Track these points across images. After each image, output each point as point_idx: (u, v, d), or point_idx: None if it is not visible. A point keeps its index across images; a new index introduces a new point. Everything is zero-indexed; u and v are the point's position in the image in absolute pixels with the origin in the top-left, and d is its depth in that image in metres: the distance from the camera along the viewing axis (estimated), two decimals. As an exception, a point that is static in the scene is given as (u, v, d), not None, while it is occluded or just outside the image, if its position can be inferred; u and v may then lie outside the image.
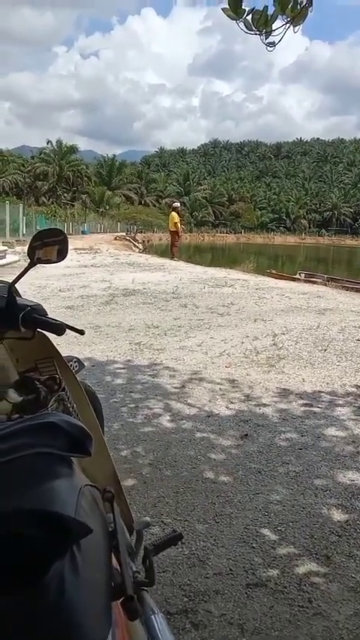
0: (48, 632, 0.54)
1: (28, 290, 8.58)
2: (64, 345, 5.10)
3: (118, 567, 0.76)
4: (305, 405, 3.99)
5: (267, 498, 2.66)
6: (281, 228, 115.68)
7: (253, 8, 2.99)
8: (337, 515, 2.53)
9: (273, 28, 3.28)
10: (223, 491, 2.71)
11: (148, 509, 2.52)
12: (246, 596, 1.96)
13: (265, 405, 3.97)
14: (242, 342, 5.79)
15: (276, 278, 14.27)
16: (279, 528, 2.40)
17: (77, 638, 0.55)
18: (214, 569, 2.11)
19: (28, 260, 1.41)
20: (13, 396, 1.27)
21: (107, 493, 0.90)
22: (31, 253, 1.38)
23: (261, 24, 3.22)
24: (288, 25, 3.24)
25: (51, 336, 1.42)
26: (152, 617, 0.94)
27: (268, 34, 3.27)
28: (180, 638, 1.72)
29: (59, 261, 1.43)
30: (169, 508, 2.54)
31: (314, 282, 13.86)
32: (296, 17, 3.18)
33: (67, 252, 1.43)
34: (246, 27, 3.24)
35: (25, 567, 0.57)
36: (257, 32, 3.27)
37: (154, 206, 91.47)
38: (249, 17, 3.20)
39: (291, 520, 2.47)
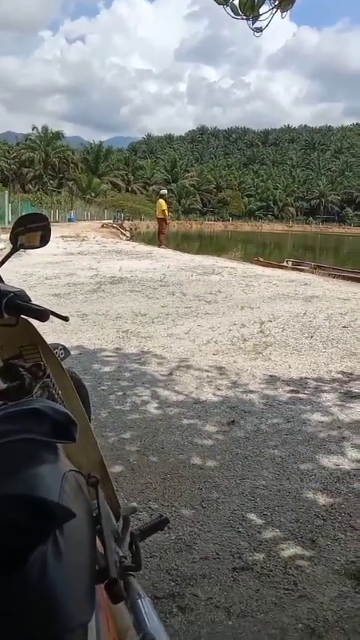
0: (31, 615, 0.54)
1: (14, 278, 8.52)
2: (51, 332, 5.08)
3: (103, 552, 0.76)
4: (291, 391, 4.02)
5: (253, 483, 2.68)
6: (269, 215, 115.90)
7: (240, -8, 2.96)
8: (322, 500, 2.56)
9: (260, 13, 3.26)
10: (209, 477, 2.73)
11: (135, 495, 2.53)
12: (232, 580, 1.98)
13: (251, 391, 3.99)
14: (230, 330, 5.80)
15: (263, 266, 14.29)
16: (265, 513, 2.43)
17: (60, 621, 0.55)
18: (200, 553, 2.13)
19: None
20: (-3, 383, 1.26)
21: (92, 478, 0.90)
22: (13, 239, 1.36)
23: (248, 9, 3.19)
24: (275, 10, 3.22)
25: (37, 323, 1.41)
26: (139, 601, 0.95)
27: (255, 19, 3.25)
28: (167, 622, 1.74)
29: (42, 246, 1.42)
30: (156, 494, 2.56)
31: (301, 270, 13.91)
32: (283, 2, 3.15)
33: (49, 237, 1.42)
34: (233, 12, 3.21)
35: (7, 551, 0.57)
36: (244, 17, 3.25)
37: (142, 193, 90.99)
38: (236, 2, 3.17)
39: (277, 504, 2.50)
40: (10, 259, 1.55)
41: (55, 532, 0.60)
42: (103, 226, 36.40)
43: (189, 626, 1.75)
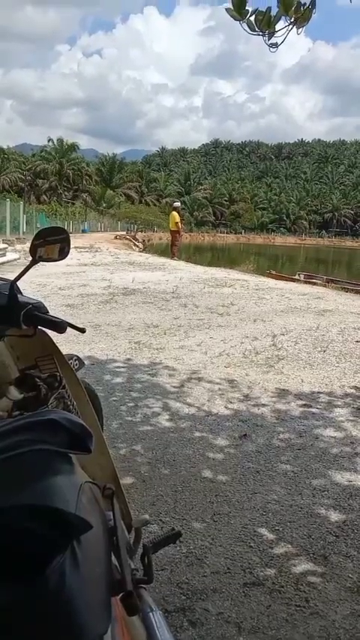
0: (49, 625, 0.55)
1: (29, 288, 8.58)
2: (64, 343, 5.11)
3: (117, 564, 0.77)
4: (304, 405, 3.99)
5: (265, 498, 2.66)
6: (281, 229, 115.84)
7: (257, 9, 2.99)
8: (335, 516, 2.53)
9: (276, 29, 3.29)
10: (221, 491, 2.72)
11: (146, 507, 2.53)
12: (243, 595, 1.96)
13: (263, 405, 3.97)
14: (242, 343, 5.79)
15: (276, 279, 14.28)
16: (277, 528, 2.41)
17: (78, 632, 0.55)
18: (211, 567, 2.11)
19: (28, 258, 1.41)
20: (14, 393, 1.28)
21: (107, 490, 0.91)
22: (33, 251, 1.38)
23: (264, 25, 3.22)
24: (291, 26, 3.25)
25: (52, 333, 1.42)
26: (150, 614, 0.95)
27: (271, 34, 3.28)
28: (178, 636, 1.72)
29: (61, 259, 1.44)
30: (167, 507, 2.55)
31: (314, 283, 13.87)
32: (299, 18, 3.18)
33: (69, 250, 1.44)
34: (249, 28, 3.25)
35: (26, 562, 0.57)
36: (260, 33, 3.28)
37: (155, 205, 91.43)
38: (252, 18, 3.20)
39: (289, 520, 2.48)
40: None
41: (73, 543, 0.61)
42: (116, 238, 36.62)
43: (199, 641, 1.74)
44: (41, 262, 1.42)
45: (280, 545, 2.28)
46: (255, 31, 3.29)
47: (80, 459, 0.92)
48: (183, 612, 1.86)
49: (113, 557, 0.78)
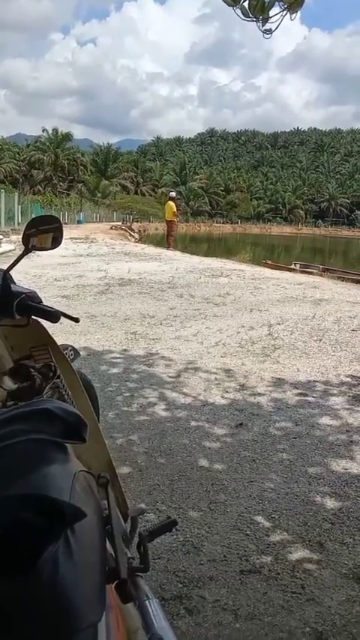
0: (42, 614, 0.54)
1: (24, 279, 8.56)
2: (60, 334, 5.10)
3: (112, 552, 0.77)
4: (300, 394, 4.01)
5: (261, 486, 2.68)
6: (278, 218, 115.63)
7: (251, -5, 2.96)
8: (331, 503, 2.55)
9: (270, 15, 3.26)
10: (217, 479, 2.73)
11: (143, 496, 2.54)
12: (240, 583, 1.98)
13: (259, 394, 3.98)
14: (238, 332, 5.80)
15: (272, 268, 14.26)
16: (273, 516, 2.42)
17: (71, 620, 0.55)
18: (208, 555, 2.13)
19: (23, 248, 1.41)
20: (8, 383, 1.27)
21: (102, 479, 0.91)
22: (25, 241, 1.37)
23: (258, 11, 3.19)
24: (285, 12, 3.22)
25: (47, 324, 1.42)
26: (147, 602, 0.95)
27: (265, 20, 3.25)
28: (174, 624, 1.74)
29: (54, 248, 1.43)
30: (164, 496, 2.56)
31: (310, 273, 13.87)
32: (293, 4, 3.15)
33: (61, 239, 1.43)
34: (243, 14, 3.22)
35: (19, 551, 0.57)
36: (254, 19, 3.25)
37: (150, 195, 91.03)
38: (246, 4, 3.17)
39: (285, 508, 2.49)
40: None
41: (67, 532, 0.60)
42: (111, 228, 36.48)
43: (196, 628, 1.75)
44: (36, 253, 1.41)
45: (277, 533, 2.30)
46: (249, 17, 3.26)
47: (76, 449, 0.92)
48: (180, 600, 1.87)
49: (109, 546, 0.78)
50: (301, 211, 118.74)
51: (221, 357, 4.91)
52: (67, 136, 77.95)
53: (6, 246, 15.17)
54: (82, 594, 0.58)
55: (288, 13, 3.08)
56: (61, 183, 72.05)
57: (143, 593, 0.97)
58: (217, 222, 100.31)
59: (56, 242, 1.42)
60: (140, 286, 9.00)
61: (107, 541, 0.77)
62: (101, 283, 9.18)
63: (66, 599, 0.56)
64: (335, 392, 4.08)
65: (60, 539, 0.59)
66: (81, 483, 0.69)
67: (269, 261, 17.09)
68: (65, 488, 0.63)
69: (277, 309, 7.17)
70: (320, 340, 5.51)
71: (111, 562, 0.72)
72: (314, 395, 4.00)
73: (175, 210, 19.11)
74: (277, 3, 3.00)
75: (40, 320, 1.40)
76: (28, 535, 0.58)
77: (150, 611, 0.92)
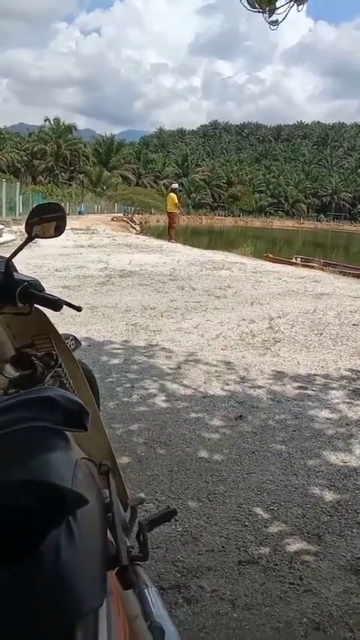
0: (44, 598, 0.55)
1: (25, 269, 8.43)
2: (61, 324, 5.10)
3: (113, 539, 0.77)
4: (300, 387, 4.01)
5: (260, 478, 2.68)
6: (280, 212, 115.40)
7: (257, -16, 2.94)
8: (329, 496, 2.56)
9: (277, 6, 3.23)
10: (216, 471, 2.74)
11: (142, 486, 2.54)
12: (238, 573, 1.99)
13: (259, 387, 3.99)
14: (238, 325, 5.79)
15: (273, 262, 14.24)
16: (271, 507, 2.43)
17: (73, 605, 0.56)
18: (206, 546, 2.14)
19: (24, 239, 1.40)
20: (10, 371, 1.28)
21: (103, 467, 0.91)
22: (28, 229, 1.36)
23: (265, 2, 3.17)
24: (291, 3, 3.19)
25: (47, 313, 1.42)
26: (145, 590, 0.95)
27: (272, 12, 3.23)
28: (172, 613, 1.75)
29: (57, 236, 1.42)
30: (163, 486, 2.57)
31: (311, 267, 13.85)
32: (300, -5, 3.13)
33: (64, 227, 1.42)
34: (249, 4, 3.20)
35: (21, 536, 0.57)
36: (260, 10, 3.23)
37: (152, 187, 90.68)
38: (252, -6, 3.15)
39: (283, 499, 2.50)
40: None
41: (69, 518, 0.61)
42: (113, 219, 36.40)
43: (194, 617, 1.76)
44: (37, 243, 1.41)
45: (275, 525, 2.31)
46: (255, 7, 3.24)
47: (76, 437, 0.92)
48: (178, 589, 1.88)
49: (109, 533, 0.78)
50: (303, 205, 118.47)
51: (222, 349, 4.91)
52: (70, 128, 77.61)
53: (7, 236, 15.13)
54: (83, 580, 0.58)
55: (295, 5, 3.06)
56: (63, 174, 71.91)
57: (142, 582, 0.97)
58: (218, 215, 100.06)
59: (59, 230, 1.41)
60: (141, 278, 8.98)
61: (108, 529, 0.78)
62: (102, 274, 9.17)
63: (68, 584, 0.56)
64: (335, 385, 4.09)
65: (62, 525, 0.60)
66: (83, 471, 0.69)
67: (270, 255, 17.06)
68: (67, 476, 0.63)
69: (278, 302, 7.16)
70: (321, 334, 5.51)
71: (112, 549, 0.72)
72: (314, 388, 4.01)
73: (176, 202, 19.05)
74: (283, -7, 2.98)
75: (42, 309, 1.40)
76: (31, 521, 0.58)
77: (149, 599, 0.93)
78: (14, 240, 14.30)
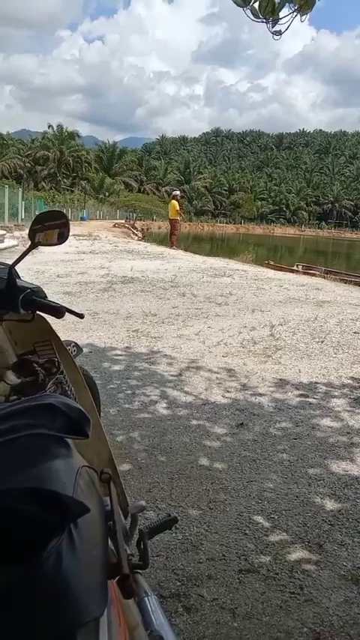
0: (45, 607, 0.55)
1: (26, 275, 8.49)
2: (62, 330, 5.09)
3: (114, 548, 0.77)
4: (301, 395, 4.00)
5: (261, 486, 2.67)
6: (281, 219, 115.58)
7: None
8: (330, 505, 2.55)
9: (280, 17, 3.25)
10: (217, 479, 2.73)
11: (142, 494, 2.54)
12: (238, 582, 1.98)
13: (261, 394, 3.98)
14: (240, 332, 5.79)
15: (274, 269, 14.25)
16: (272, 516, 2.42)
17: (74, 613, 0.55)
18: (207, 554, 2.13)
19: (27, 245, 1.40)
20: (12, 377, 1.27)
21: (104, 475, 0.91)
22: (31, 236, 1.37)
23: (268, 12, 3.19)
24: (295, 13, 3.21)
25: (49, 320, 1.42)
26: (146, 599, 0.95)
27: (275, 22, 3.24)
28: (172, 622, 1.74)
29: (60, 243, 1.43)
30: (163, 494, 2.56)
31: (312, 275, 13.85)
32: (303, 6, 3.15)
33: (68, 235, 1.43)
34: (252, 14, 3.21)
35: (23, 544, 0.57)
36: (264, 20, 3.24)
37: (154, 194, 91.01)
38: (256, 5, 3.16)
39: (284, 508, 2.49)
40: None
41: (70, 526, 0.61)
42: (115, 226, 36.46)
43: (194, 626, 1.75)
44: (39, 250, 1.41)
45: (276, 533, 2.30)
46: (259, 17, 3.25)
47: (77, 444, 0.92)
48: (178, 598, 1.87)
49: (110, 542, 0.78)
50: (304, 213, 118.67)
51: (223, 356, 4.91)
52: (73, 134, 77.94)
53: (9, 242, 15.15)
54: (84, 588, 0.58)
55: (298, 15, 3.07)
56: (65, 180, 72.12)
57: (142, 590, 0.97)
58: (220, 222, 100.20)
59: (62, 238, 1.42)
60: (143, 284, 9.00)
61: (109, 537, 0.77)
62: (104, 281, 9.18)
63: (69, 592, 0.56)
64: (337, 394, 4.08)
65: (63, 533, 0.59)
66: (84, 479, 0.69)
67: (272, 262, 17.07)
68: (69, 483, 0.63)
69: (279, 309, 7.16)
70: (322, 342, 5.51)
71: (113, 558, 0.72)
72: (315, 396, 4.00)
73: (178, 208, 19.10)
74: (287, 4, 3.00)
75: (44, 315, 1.40)
76: (32, 528, 0.58)
77: (149, 607, 0.93)
78: (16, 245, 14.32)
